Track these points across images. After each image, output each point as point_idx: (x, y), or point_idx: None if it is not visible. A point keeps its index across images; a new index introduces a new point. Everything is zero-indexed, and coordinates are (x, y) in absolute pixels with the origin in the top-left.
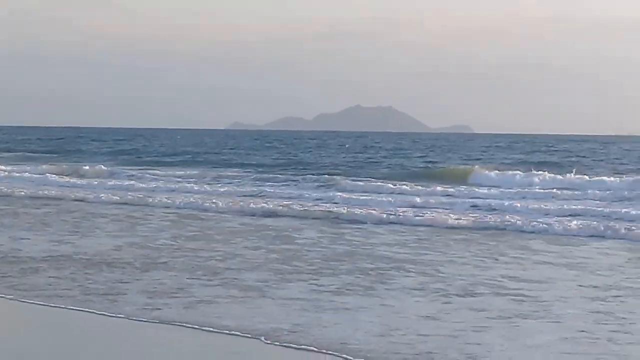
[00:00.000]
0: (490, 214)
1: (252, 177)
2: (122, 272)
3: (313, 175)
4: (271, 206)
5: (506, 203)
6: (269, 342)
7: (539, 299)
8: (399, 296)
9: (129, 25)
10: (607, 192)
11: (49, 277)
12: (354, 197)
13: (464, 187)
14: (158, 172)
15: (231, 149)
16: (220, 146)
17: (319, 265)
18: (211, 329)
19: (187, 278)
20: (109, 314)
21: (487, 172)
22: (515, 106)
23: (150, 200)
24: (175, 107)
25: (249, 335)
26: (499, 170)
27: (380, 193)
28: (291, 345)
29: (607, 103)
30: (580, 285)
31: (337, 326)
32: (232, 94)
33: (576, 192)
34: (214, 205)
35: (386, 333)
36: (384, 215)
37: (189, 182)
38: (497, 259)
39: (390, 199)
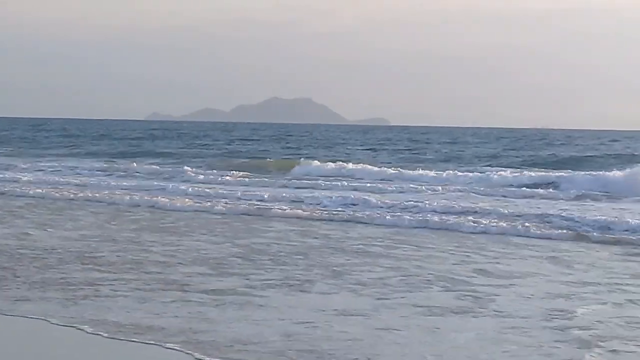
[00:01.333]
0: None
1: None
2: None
3: None
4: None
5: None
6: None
7: None
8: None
9: (36, 10)
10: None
11: None
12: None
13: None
14: None
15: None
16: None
17: None
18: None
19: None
20: None
21: (310, 164)
22: (434, 98)
23: None
24: (92, 97)
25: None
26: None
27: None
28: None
29: (520, 95)
30: None
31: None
32: (151, 84)
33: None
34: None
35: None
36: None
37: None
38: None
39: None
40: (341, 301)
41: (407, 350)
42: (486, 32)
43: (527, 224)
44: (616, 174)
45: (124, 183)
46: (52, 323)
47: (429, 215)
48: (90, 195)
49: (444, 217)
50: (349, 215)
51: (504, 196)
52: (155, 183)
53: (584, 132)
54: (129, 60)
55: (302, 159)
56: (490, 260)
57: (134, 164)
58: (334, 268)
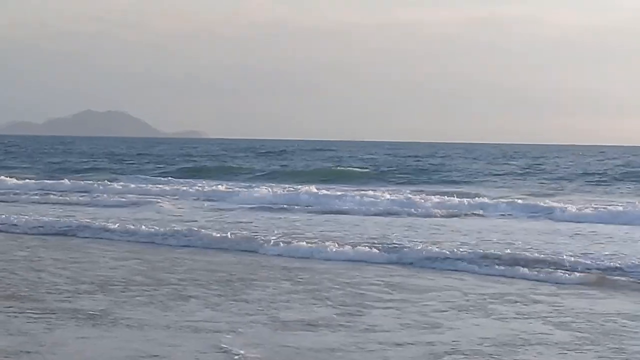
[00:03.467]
0: None
1: None
2: None
3: None
4: None
5: None
6: None
7: None
8: None
9: None
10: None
11: None
12: None
13: None
14: None
15: None
16: None
17: None
18: None
19: None
20: None
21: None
22: (247, 112)
23: None
24: None
25: None
26: None
27: None
28: None
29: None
30: None
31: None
32: None
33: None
34: None
35: None
36: None
37: None
38: None
39: None
40: None
41: None
42: (296, 46)
43: None
44: None
45: None
46: None
47: None
48: None
49: None
50: None
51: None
52: None
53: (394, 143)
54: None
55: None
56: None
57: None
58: None
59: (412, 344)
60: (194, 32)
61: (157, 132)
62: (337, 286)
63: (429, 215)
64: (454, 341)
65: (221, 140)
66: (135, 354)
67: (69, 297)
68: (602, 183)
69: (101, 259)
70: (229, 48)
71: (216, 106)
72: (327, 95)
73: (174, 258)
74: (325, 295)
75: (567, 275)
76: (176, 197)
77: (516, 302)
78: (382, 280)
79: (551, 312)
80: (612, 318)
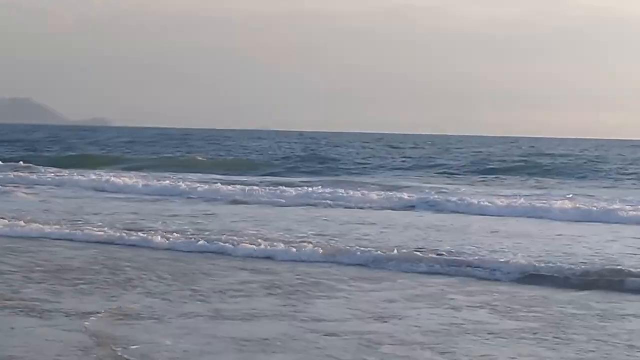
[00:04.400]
0: None
1: None
2: None
3: None
4: None
5: None
6: None
7: None
8: None
9: None
10: None
11: None
12: None
13: None
14: None
15: None
16: None
17: None
18: None
19: None
20: None
21: None
22: (153, 100)
23: None
24: None
25: None
26: None
27: None
28: None
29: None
30: None
31: None
32: None
33: None
34: None
35: None
36: None
37: None
38: None
39: None
40: None
41: None
42: (205, 35)
43: None
44: None
45: None
46: None
47: None
48: None
49: None
50: None
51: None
52: None
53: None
54: None
55: None
56: None
57: None
58: None
59: (353, 333)
60: (101, 20)
61: (62, 120)
62: (291, 278)
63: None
64: (396, 331)
65: (126, 128)
66: None
67: None
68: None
69: None
70: (138, 38)
71: (125, 94)
72: (234, 84)
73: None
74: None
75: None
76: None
77: (467, 294)
78: (338, 272)
79: (497, 304)
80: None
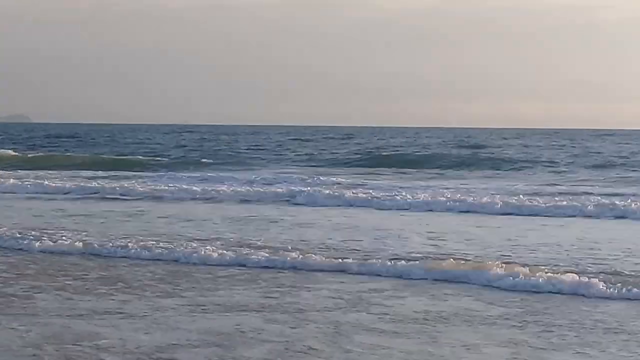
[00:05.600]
0: None
1: None
2: None
3: None
4: None
5: None
6: None
7: None
8: None
9: None
10: None
11: None
12: None
13: None
14: None
15: None
16: None
17: None
18: None
19: None
20: None
21: None
22: (72, 97)
23: None
24: None
25: None
26: None
27: None
28: None
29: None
30: None
31: None
32: None
33: None
34: None
35: None
36: None
37: None
38: None
39: None
40: None
41: None
42: (125, 30)
43: None
44: None
45: None
46: None
47: None
48: None
49: None
50: None
51: None
52: None
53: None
54: None
55: None
56: None
57: None
58: None
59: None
60: (19, 18)
61: None
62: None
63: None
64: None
65: (41, 124)
66: None
67: None
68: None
69: None
70: (54, 34)
71: (47, 90)
72: (156, 80)
73: None
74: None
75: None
76: None
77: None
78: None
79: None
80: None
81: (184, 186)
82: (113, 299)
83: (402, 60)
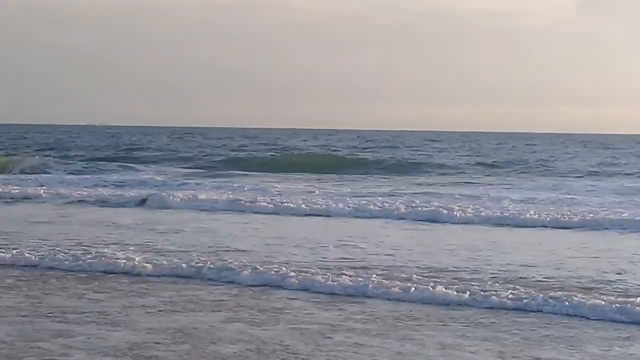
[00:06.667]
0: None
1: None
2: None
3: None
4: None
5: None
6: None
7: None
8: None
9: None
10: None
11: None
12: None
13: None
14: None
15: None
16: None
17: None
18: None
19: None
20: None
21: None
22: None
23: None
24: None
25: None
26: None
27: None
28: None
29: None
30: None
31: None
32: None
33: None
34: None
35: None
36: None
37: None
38: None
39: None
40: None
41: None
42: (46, 32)
43: None
44: None
45: None
46: None
47: None
48: None
49: None
50: None
51: None
52: None
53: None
54: None
55: None
56: None
57: None
58: None
59: None
60: None
61: None
62: None
63: None
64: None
65: None
66: None
67: None
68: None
69: None
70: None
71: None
72: (72, 80)
73: None
74: None
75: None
76: None
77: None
78: None
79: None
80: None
81: None
82: None
83: (317, 62)
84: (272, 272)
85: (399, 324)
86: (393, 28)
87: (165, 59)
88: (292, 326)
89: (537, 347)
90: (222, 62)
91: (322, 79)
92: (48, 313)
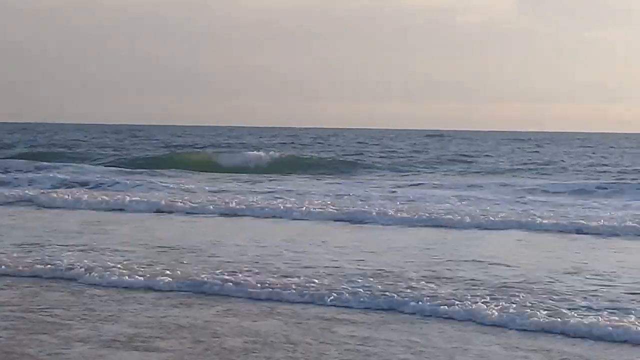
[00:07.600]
0: None
1: None
2: None
3: None
4: None
5: None
6: None
7: None
8: None
9: None
10: None
11: None
12: None
13: None
14: None
15: None
16: None
17: None
18: None
19: None
20: None
21: None
22: None
23: None
24: None
25: None
26: None
27: None
28: None
29: None
30: None
31: None
32: None
33: None
34: None
35: None
36: None
37: None
38: None
39: None
40: None
41: None
42: None
43: None
44: None
45: None
46: None
47: None
48: None
49: None
50: None
51: None
52: None
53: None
54: None
55: None
56: None
57: None
58: None
59: None
60: None
61: None
62: None
63: None
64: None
65: None
66: None
67: None
68: None
69: None
70: None
71: None
72: (16, 78)
73: None
74: None
75: None
76: None
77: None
78: None
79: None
80: None
81: None
82: None
83: (262, 59)
84: None
85: None
86: (336, 22)
87: (117, 57)
88: None
89: None
90: (174, 60)
91: (267, 77)
92: None
